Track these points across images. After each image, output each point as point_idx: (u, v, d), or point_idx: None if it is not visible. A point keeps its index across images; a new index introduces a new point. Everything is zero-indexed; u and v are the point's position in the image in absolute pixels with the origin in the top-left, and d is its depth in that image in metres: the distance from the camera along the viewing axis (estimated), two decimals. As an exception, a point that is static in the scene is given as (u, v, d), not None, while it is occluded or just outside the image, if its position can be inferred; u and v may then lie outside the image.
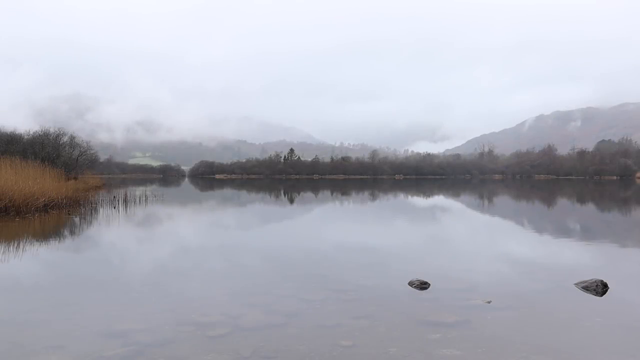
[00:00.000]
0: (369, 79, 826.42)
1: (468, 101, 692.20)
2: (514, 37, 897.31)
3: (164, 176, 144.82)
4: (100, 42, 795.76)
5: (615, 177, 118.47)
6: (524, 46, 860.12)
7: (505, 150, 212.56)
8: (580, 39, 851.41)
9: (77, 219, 15.50)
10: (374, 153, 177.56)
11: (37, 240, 10.85)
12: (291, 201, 29.62)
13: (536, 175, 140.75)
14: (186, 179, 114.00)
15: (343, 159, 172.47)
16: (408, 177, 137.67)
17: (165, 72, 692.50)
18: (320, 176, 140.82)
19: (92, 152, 52.14)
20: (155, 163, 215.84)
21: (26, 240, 10.89)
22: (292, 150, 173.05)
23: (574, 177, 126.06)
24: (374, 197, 33.35)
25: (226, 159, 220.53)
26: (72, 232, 12.64)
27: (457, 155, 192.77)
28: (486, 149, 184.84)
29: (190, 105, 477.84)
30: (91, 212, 17.83)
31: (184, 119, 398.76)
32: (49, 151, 38.39)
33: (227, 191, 44.52)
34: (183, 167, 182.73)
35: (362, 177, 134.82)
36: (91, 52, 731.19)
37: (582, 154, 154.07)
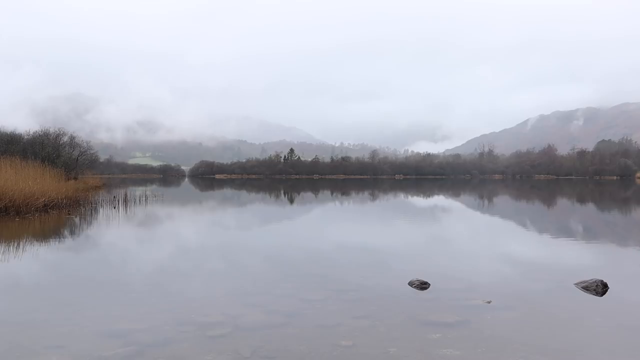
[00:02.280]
0: (370, 78, 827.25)
1: (469, 101, 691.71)
2: (516, 37, 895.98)
3: (164, 176, 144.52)
4: (101, 42, 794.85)
5: (615, 177, 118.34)
6: (525, 46, 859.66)
7: (506, 150, 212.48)
8: (581, 38, 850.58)
9: (77, 219, 15.50)
10: (374, 153, 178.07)
11: (37, 240, 10.85)
12: (291, 201, 29.62)
13: (536, 175, 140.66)
14: (186, 179, 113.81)
15: (343, 159, 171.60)
16: (408, 177, 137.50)
17: (166, 72, 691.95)
18: (320, 176, 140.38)
19: (92, 152, 52.13)
20: (155, 163, 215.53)
21: (26, 240, 10.89)
22: (292, 151, 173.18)
23: (574, 177, 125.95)
24: (373, 197, 33.33)
25: (226, 159, 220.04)
26: (72, 232, 12.64)
27: (457, 155, 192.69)
28: (486, 149, 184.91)
29: (191, 105, 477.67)
30: (91, 212, 17.83)
31: (184, 119, 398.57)
32: (49, 151, 38.35)
33: (227, 191, 44.48)
34: (183, 167, 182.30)
35: (362, 177, 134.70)
36: (91, 52, 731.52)
37: (582, 154, 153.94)
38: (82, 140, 49.62)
